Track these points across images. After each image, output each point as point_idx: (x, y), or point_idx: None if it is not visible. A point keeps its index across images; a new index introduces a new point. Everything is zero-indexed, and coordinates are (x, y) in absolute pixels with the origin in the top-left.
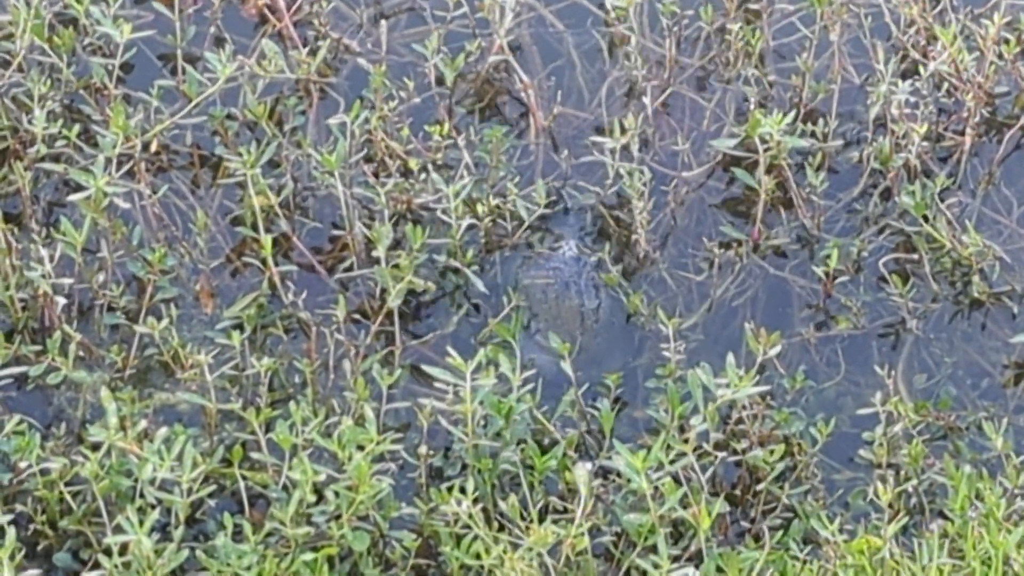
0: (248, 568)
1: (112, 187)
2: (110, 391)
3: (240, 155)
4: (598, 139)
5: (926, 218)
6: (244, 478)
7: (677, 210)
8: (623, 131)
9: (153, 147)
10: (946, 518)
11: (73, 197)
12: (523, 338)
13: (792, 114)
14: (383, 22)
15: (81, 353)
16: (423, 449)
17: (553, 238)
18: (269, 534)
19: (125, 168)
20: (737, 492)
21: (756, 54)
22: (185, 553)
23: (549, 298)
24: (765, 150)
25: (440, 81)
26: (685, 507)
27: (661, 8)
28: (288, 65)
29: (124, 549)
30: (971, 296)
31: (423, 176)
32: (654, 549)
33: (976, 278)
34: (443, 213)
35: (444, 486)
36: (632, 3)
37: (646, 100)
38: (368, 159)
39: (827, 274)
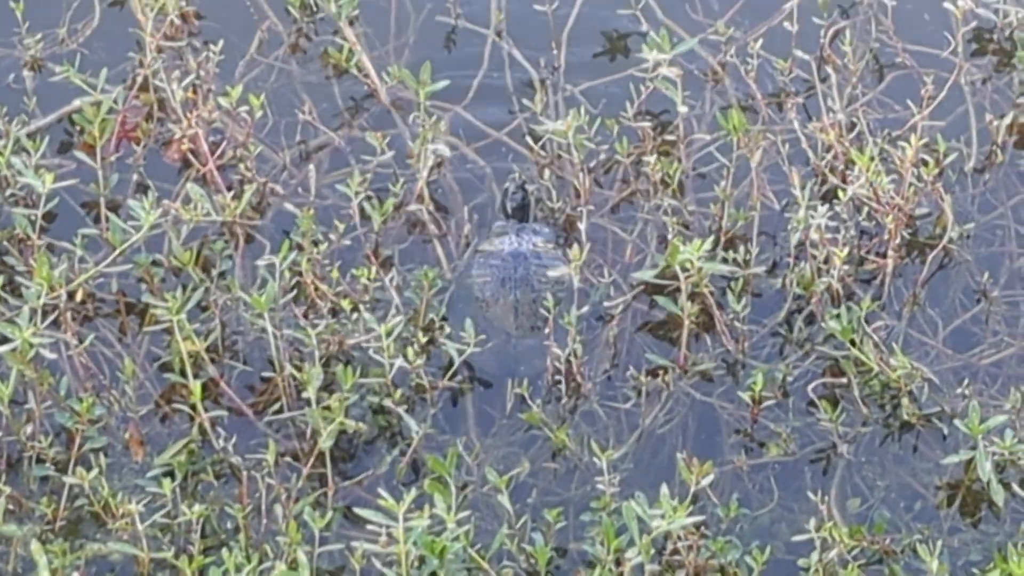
0: None
1: (38, 338)
2: (41, 544)
3: (166, 301)
4: None
5: (853, 342)
6: None
7: (603, 339)
8: None
9: (78, 296)
10: None
11: None
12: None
13: (712, 241)
14: (310, 166)
15: (10, 506)
16: None
17: (496, 233)
18: None
19: (51, 318)
20: None
21: (675, 184)
22: None
23: (486, 295)
24: (687, 277)
25: (365, 220)
26: None
27: (574, 143)
28: (213, 208)
29: None
30: (901, 418)
31: (354, 316)
32: None
33: (905, 400)
34: (375, 353)
35: None
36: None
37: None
38: (297, 300)
39: (754, 399)
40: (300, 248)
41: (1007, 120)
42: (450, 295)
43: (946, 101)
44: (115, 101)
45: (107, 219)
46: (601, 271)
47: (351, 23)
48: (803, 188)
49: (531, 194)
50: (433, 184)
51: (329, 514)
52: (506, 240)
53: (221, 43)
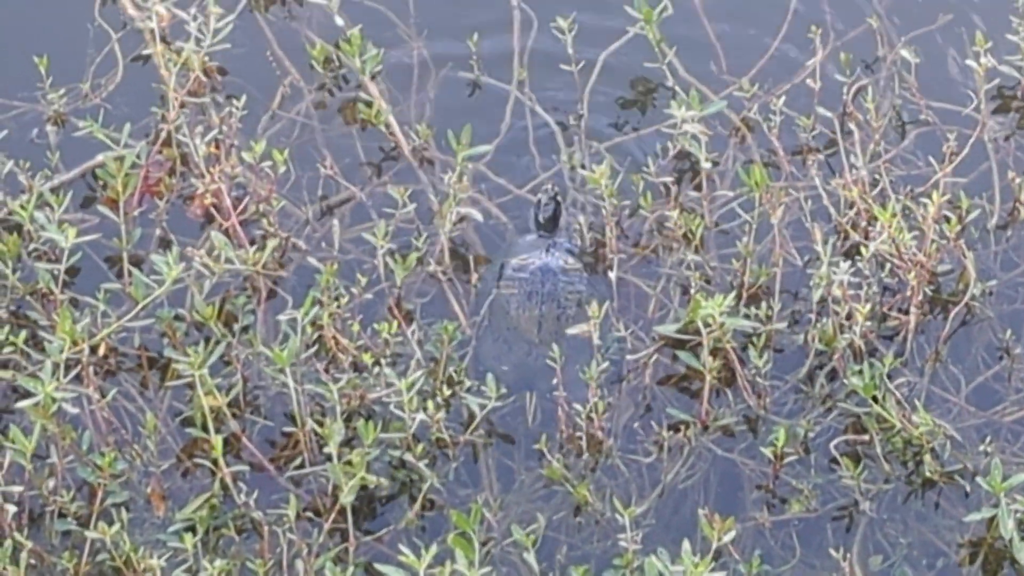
0: None
1: (60, 392)
2: None
3: (188, 356)
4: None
5: (875, 398)
6: None
7: (625, 394)
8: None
9: (101, 350)
10: None
11: (21, 404)
12: (490, 342)
13: (734, 296)
14: (334, 220)
15: (32, 561)
16: None
17: (525, 247)
18: None
19: (73, 373)
20: None
21: (697, 239)
22: None
23: (512, 308)
24: (709, 332)
25: (387, 273)
26: None
27: (605, 193)
28: (236, 259)
29: None
30: (923, 476)
31: (376, 371)
32: None
33: (928, 457)
34: (396, 408)
35: None
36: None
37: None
38: (318, 355)
39: (776, 455)
40: (321, 303)
41: None
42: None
43: (969, 158)
44: (138, 156)
45: (130, 273)
46: (623, 324)
47: (374, 79)
48: (825, 244)
49: (562, 207)
50: (455, 238)
51: (350, 569)
52: (535, 255)
53: (244, 98)
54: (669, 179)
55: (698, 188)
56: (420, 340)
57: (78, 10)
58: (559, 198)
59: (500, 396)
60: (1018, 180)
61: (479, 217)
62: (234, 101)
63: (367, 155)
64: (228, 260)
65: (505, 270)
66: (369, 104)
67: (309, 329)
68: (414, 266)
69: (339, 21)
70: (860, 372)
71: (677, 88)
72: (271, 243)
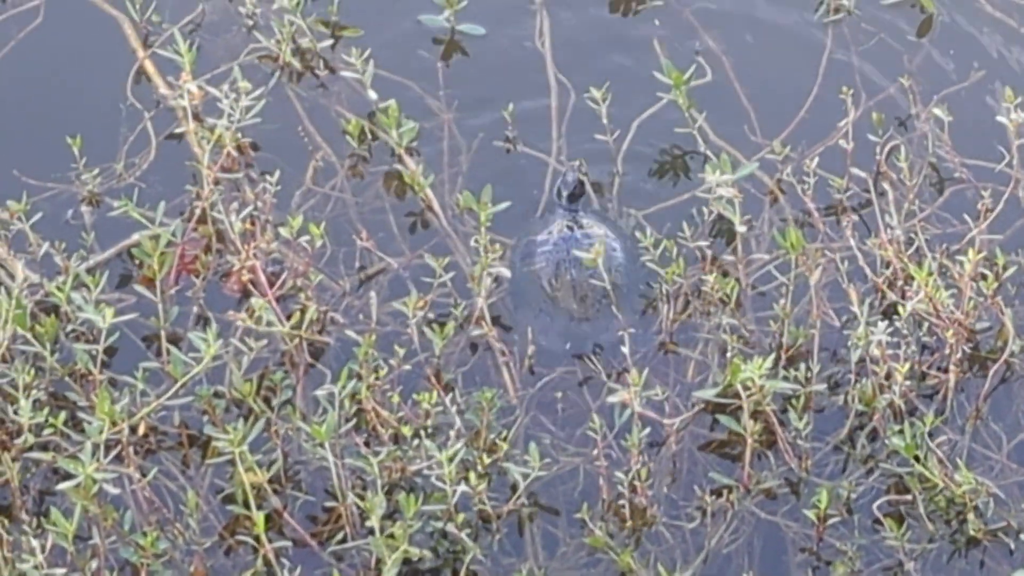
0: None
1: (101, 473)
2: None
3: (228, 433)
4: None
5: (917, 458)
6: None
7: (667, 459)
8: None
9: (141, 430)
10: None
11: (62, 486)
12: (532, 318)
13: (773, 359)
14: (371, 292)
15: None
16: None
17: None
18: None
19: (113, 453)
20: None
21: (734, 303)
22: None
23: (544, 280)
24: (748, 395)
25: (426, 343)
26: None
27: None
28: (280, 320)
29: None
30: (967, 534)
31: (416, 443)
32: None
33: (971, 516)
34: (437, 479)
35: None
36: (599, 255)
37: (624, 350)
38: (358, 428)
39: (819, 517)
40: (359, 376)
41: None
42: (513, 289)
43: (1003, 214)
44: (173, 234)
45: (168, 352)
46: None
47: (410, 152)
48: (862, 305)
49: (587, 184)
50: (492, 307)
51: None
52: (555, 227)
53: (277, 174)
54: (705, 243)
55: (734, 252)
56: (460, 409)
57: (110, 90)
58: (584, 173)
59: (543, 465)
60: None
61: (507, 274)
62: (267, 177)
63: (402, 227)
64: (269, 323)
65: (528, 247)
66: (399, 176)
67: (347, 403)
68: (452, 335)
69: (372, 95)
70: (901, 432)
71: (709, 153)
72: (308, 314)
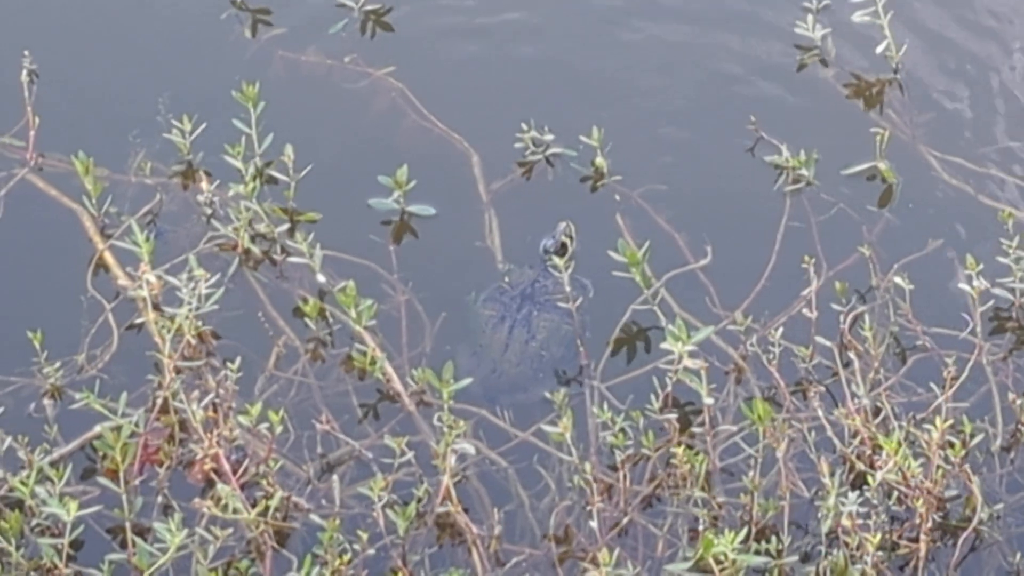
0: None
1: None
2: None
3: None
4: None
5: None
6: None
7: None
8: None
9: None
10: None
11: None
12: (466, 355)
13: (743, 532)
14: (334, 476)
15: None
16: None
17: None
18: None
19: None
20: None
21: (702, 476)
22: None
23: (486, 329)
24: (721, 570)
25: (391, 529)
26: None
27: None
28: (242, 511)
29: None
30: None
31: None
32: None
33: None
34: None
35: None
36: (567, 430)
37: (593, 524)
38: None
39: None
40: (324, 562)
41: None
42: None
43: (968, 381)
44: (136, 425)
45: (133, 543)
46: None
47: (368, 330)
48: (832, 475)
49: (573, 243)
50: (459, 487)
51: None
52: (525, 281)
53: (239, 360)
54: (671, 415)
55: (700, 424)
56: None
57: (71, 282)
58: (571, 236)
59: None
60: (1019, 401)
61: (471, 451)
62: (229, 364)
63: (365, 409)
64: (235, 510)
65: (493, 292)
66: (364, 355)
67: None
68: (415, 516)
69: (320, 278)
70: None
71: (670, 326)
72: (272, 502)
